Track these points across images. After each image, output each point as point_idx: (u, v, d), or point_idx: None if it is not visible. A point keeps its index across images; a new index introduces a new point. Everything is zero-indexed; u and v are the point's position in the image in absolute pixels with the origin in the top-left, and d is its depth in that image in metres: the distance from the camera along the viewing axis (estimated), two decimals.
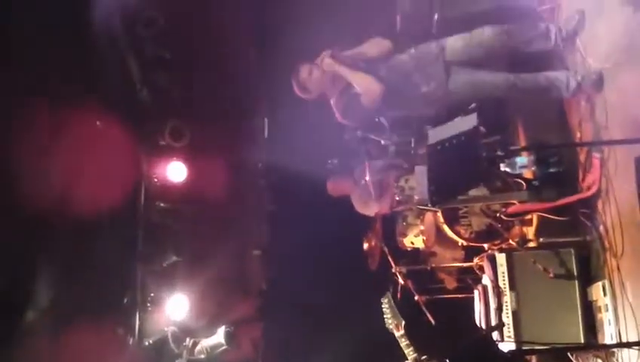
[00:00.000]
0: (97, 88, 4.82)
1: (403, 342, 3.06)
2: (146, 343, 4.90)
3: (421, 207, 4.17)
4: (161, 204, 5.29)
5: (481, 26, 3.98)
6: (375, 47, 4.03)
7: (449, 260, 5.06)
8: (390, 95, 3.89)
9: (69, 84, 4.45)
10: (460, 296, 5.08)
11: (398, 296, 4.86)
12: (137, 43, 5.09)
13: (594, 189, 3.77)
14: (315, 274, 5.61)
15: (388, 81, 3.89)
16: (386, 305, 3.18)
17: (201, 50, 5.67)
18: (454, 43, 3.99)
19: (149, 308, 5.10)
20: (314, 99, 4.22)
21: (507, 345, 3.63)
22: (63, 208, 4.15)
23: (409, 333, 3.05)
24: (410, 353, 3.05)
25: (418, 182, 2.80)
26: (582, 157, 3.92)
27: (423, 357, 2.88)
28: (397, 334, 3.09)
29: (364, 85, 3.91)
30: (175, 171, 5.29)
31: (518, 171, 3.10)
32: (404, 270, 4.97)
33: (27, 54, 4.02)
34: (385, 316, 3.17)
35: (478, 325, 4.20)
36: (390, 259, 4.97)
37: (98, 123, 4.86)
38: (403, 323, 3.06)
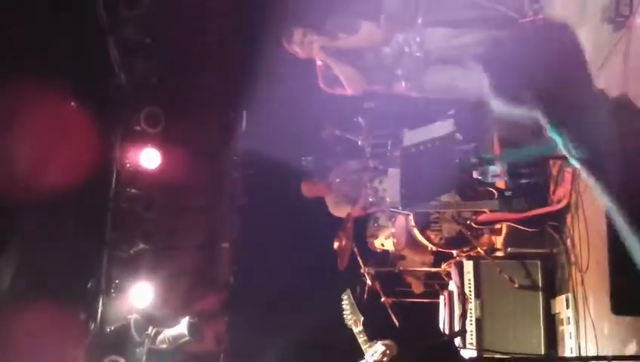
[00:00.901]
0: (73, 68, 4.74)
1: (361, 338, 3.06)
2: (108, 330, 4.83)
3: (393, 209, 4.17)
4: (132, 191, 5.22)
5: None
6: (367, 38, 4.06)
7: (418, 264, 5.07)
8: (372, 83, 3.97)
9: (43, 60, 4.37)
10: (425, 300, 5.11)
11: (365, 296, 4.87)
12: (118, 24, 5.01)
13: (564, 203, 3.82)
14: (283, 271, 5.59)
15: (371, 70, 3.95)
16: (345, 301, 3.18)
17: (183, 37, 5.60)
18: (439, 40, 4.02)
19: (113, 295, 5.02)
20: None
21: (468, 352, 3.65)
22: (30, 186, 4.07)
23: (367, 329, 3.05)
24: (367, 349, 3.05)
25: (391, 184, 2.79)
26: (554, 171, 3.96)
27: (388, 360, 2.87)
28: (355, 330, 3.09)
29: (350, 79, 3.95)
30: (148, 158, 5.21)
31: (490, 180, 3.12)
32: (372, 271, 4.97)
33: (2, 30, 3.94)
34: (344, 312, 3.17)
35: (442, 330, 4.22)
36: (359, 260, 4.98)
37: (72, 103, 4.78)
38: (362, 319, 3.06)
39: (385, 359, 2.92)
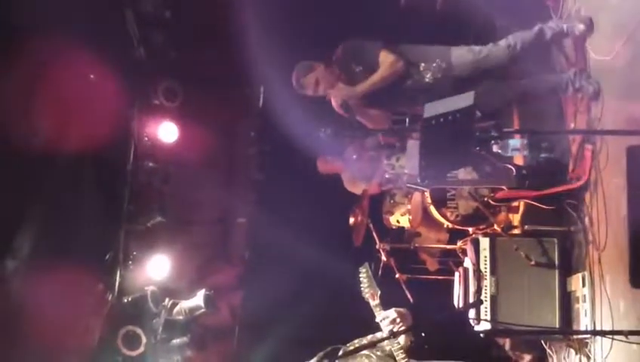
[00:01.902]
0: (93, 41, 4.76)
1: (378, 312, 3.08)
2: (125, 300, 4.90)
3: (410, 185, 4.16)
4: (150, 164, 5.26)
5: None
6: (389, 73, 4.02)
7: (433, 241, 5.07)
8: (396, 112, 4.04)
9: (64, 32, 4.38)
10: (440, 277, 5.12)
11: (380, 272, 4.88)
12: None
13: (583, 180, 3.79)
14: (298, 246, 5.61)
15: (395, 102, 4.01)
16: (363, 274, 3.19)
17: (202, 11, 5.59)
18: (462, 57, 3.99)
19: (131, 267, 5.09)
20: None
21: (483, 326, 3.66)
22: (49, 156, 4.11)
23: (384, 304, 3.07)
24: (379, 313, 3.08)
25: (409, 156, 2.79)
26: (574, 148, 3.93)
27: (399, 328, 2.89)
28: (372, 303, 3.11)
29: (374, 121, 4.14)
30: (166, 131, 5.25)
31: (510, 153, 3.09)
32: (387, 247, 4.98)
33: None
34: (362, 285, 3.18)
35: (456, 307, 4.23)
36: (375, 236, 4.98)
37: (92, 76, 4.80)
38: (379, 292, 3.08)
39: (397, 327, 2.94)
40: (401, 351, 2.93)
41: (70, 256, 4.45)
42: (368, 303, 3.19)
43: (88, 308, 4.72)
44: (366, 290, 3.18)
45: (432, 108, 2.72)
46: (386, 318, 3.04)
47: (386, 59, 4.03)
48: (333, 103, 4.14)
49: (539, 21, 4.19)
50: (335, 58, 4.27)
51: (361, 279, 3.23)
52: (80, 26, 4.58)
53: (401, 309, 3.03)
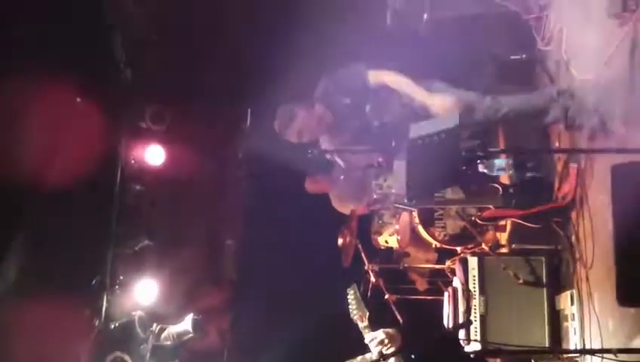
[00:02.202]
0: (79, 65, 4.76)
1: (366, 333, 3.06)
2: (112, 326, 4.85)
3: (398, 205, 4.17)
4: (137, 187, 5.25)
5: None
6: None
7: (422, 261, 5.07)
8: None
9: (49, 56, 4.39)
10: (430, 297, 5.11)
11: (369, 293, 4.87)
12: (125, 21, 5.04)
13: (569, 199, 3.82)
14: (287, 268, 5.60)
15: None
16: (351, 296, 3.18)
17: (190, 35, 5.63)
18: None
19: (118, 291, 5.05)
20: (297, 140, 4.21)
21: (473, 346, 3.65)
22: (37, 181, 4.09)
23: (373, 325, 3.05)
24: (367, 335, 3.06)
25: (396, 176, 2.79)
26: (559, 167, 3.96)
27: (388, 349, 2.88)
28: (361, 325, 3.10)
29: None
30: (153, 154, 5.25)
31: (495, 173, 3.12)
32: (376, 268, 4.97)
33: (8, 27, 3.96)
34: (350, 306, 3.17)
35: (445, 326, 4.22)
36: (363, 257, 4.97)
37: (78, 99, 4.80)
38: (367, 314, 3.07)
39: (386, 348, 2.92)
40: None
41: (56, 281, 4.41)
42: (357, 324, 3.18)
43: (75, 334, 4.66)
44: (354, 311, 3.16)
45: (418, 129, 2.74)
46: (375, 339, 3.02)
47: (382, 76, 3.98)
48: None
49: (522, 44, 4.25)
50: (316, 96, 4.15)
51: (349, 300, 3.22)
52: (66, 49, 4.59)
53: (389, 330, 3.01)
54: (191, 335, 4.79)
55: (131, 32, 5.13)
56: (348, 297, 3.21)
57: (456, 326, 3.63)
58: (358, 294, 3.22)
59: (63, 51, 4.52)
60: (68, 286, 4.56)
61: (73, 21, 4.64)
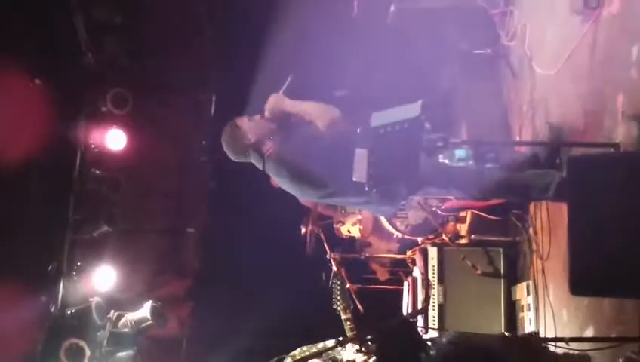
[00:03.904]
0: (40, 46, 4.66)
1: (347, 325, 3.09)
2: (69, 312, 4.77)
3: None
4: (97, 172, 5.17)
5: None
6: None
7: (383, 251, 5.10)
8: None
9: (7, 37, 4.28)
10: (390, 287, 5.15)
11: (330, 282, 4.87)
12: (88, 3, 4.94)
13: None
14: (249, 257, 5.57)
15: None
16: (338, 286, 3.21)
17: (153, 18, 5.54)
18: None
19: (75, 278, 4.98)
20: (243, 160, 3.67)
21: (430, 334, 3.70)
22: None
23: (355, 318, 3.09)
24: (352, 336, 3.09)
25: (357, 164, 2.79)
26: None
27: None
28: (343, 316, 3.13)
29: (321, 110, 3.46)
30: (114, 139, 5.17)
31: (456, 163, 3.14)
32: (338, 257, 4.98)
33: None
34: (334, 296, 3.20)
35: (404, 314, 4.26)
36: (326, 246, 4.98)
37: (36, 81, 4.69)
38: (351, 307, 3.11)
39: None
40: (364, 358, 2.93)
41: (11, 267, 4.32)
42: (339, 315, 3.21)
43: (30, 321, 4.57)
44: (339, 302, 3.19)
45: (381, 117, 2.74)
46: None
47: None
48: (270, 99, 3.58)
49: (487, 39, 4.28)
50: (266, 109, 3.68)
51: (333, 291, 3.24)
52: (27, 32, 4.48)
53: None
54: (149, 322, 4.74)
55: (95, 15, 5.03)
56: (333, 288, 3.24)
57: (414, 313, 3.67)
58: (344, 287, 3.25)
59: (23, 33, 4.42)
60: (23, 271, 4.48)
61: (35, 4, 4.54)
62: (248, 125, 3.53)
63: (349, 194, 3.33)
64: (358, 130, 3.07)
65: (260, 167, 3.59)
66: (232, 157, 3.69)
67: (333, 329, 3.47)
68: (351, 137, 3.18)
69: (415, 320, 3.32)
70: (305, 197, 3.89)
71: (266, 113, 3.53)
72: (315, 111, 3.43)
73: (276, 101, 3.51)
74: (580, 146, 3.19)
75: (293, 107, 3.50)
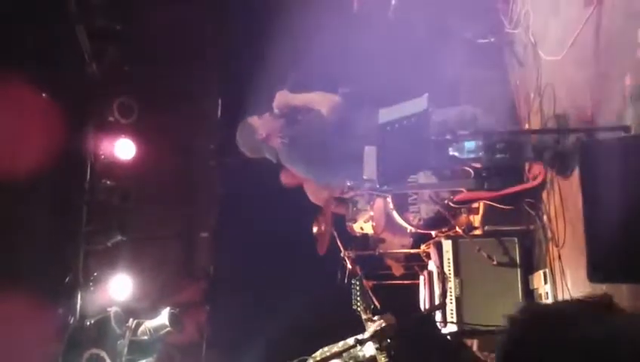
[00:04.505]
0: (44, 59, 4.67)
1: (369, 326, 3.08)
2: (87, 323, 4.79)
3: (372, 191, 4.17)
4: (108, 182, 5.17)
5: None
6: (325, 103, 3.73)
7: (397, 246, 5.09)
8: None
9: (12, 52, 4.29)
10: (406, 282, 5.13)
11: (345, 280, 4.87)
12: (88, 13, 4.94)
13: (540, 179, 3.85)
14: (264, 258, 5.57)
15: None
16: (357, 286, 3.20)
17: (155, 24, 5.54)
18: None
19: (92, 288, 4.99)
20: (259, 156, 4.01)
21: (449, 328, 3.68)
22: (3, 179, 4.00)
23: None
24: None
25: (367, 162, 2.79)
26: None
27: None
28: (364, 316, 3.13)
29: (323, 97, 3.72)
30: (123, 148, 5.17)
31: (466, 156, 3.12)
32: (352, 255, 4.97)
33: None
34: (354, 296, 3.20)
35: (422, 309, 4.24)
36: (339, 244, 4.97)
37: (43, 95, 4.71)
38: (372, 306, 3.10)
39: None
40: (384, 354, 2.91)
41: (28, 280, 4.34)
42: (359, 315, 3.21)
43: (49, 333, 4.60)
44: (359, 303, 3.18)
45: (387, 114, 2.73)
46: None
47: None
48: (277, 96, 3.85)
49: (491, 27, 4.25)
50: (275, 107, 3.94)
51: (353, 291, 3.24)
52: (30, 44, 4.49)
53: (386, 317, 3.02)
54: (168, 329, 4.75)
55: (95, 24, 5.03)
56: (352, 288, 3.23)
57: (432, 308, 3.65)
58: (363, 286, 3.25)
59: (27, 46, 4.43)
60: (40, 285, 4.49)
61: (37, 16, 4.55)
62: (259, 123, 3.88)
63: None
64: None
65: (273, 160, 3.91)
66: (248, 154, 4.04)
67: (354, 329, 3.46)
68: (353, 118, 3.39)
69: (434, 315, 3.31)
70: (323, 179, 4.13)
71: (275, 110, 3.84)
72: (317, 98, 3.72)
73: (282, 97, 3.80)
74: (590, 132, 3.16)
75: (297, 100, 3.79)
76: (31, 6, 4.50)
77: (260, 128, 3.87)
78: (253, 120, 3.93)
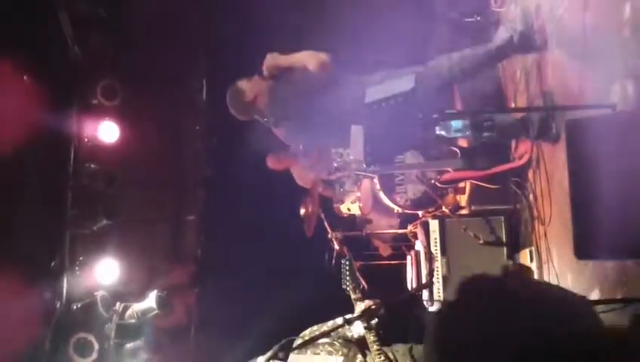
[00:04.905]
0: (26, 43, 4.60)
1: (358, 306, 3.09)
2: (74, 307, 4.77)
3: (359, 172, 4.16)
4: (92, 166, 5.12)
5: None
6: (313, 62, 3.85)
7: (384, 227, 5.09)
8: None
9: None
10: (393, 262, 5.15)
11: (333, 262, 4.88)
12: None
13: (526, 158, 3.86)
14: (251, 240, 5.56)
15: None
16: (347, 266, 3.21)
17: (139, 7, 5.47)
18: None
19: (78, 273, 4.96)
20: (249, 118, 4.13)
21: (436, 306, 3.71)
22: None
23: (363, 295, 3.09)
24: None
25: (354, 142, 2.79)
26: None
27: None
28: (353, 296, 3.15)
29: (311, 55, 3.80)
30: (107, 131, 5.12)
31: (452, 135, 3.12)
32: (340, 236, 4.98)
33: None
34: (343, 276, 3.21)
35: (409, 288, 4.27)
36: (327, 225, 4.97)
37: (25, 77, 4.64)
38: (361, 286, 3.11)
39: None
40: (372, 333, 2.93)
41: (13, 265, 4.30)
42: (349, 295, 3.22)
43: (36, 318, 4.58)
44: (348, 283, 3.19)
45: (374, 93, 2.71)
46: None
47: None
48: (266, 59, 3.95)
49: (476, 6, 4.22)
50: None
51: (342, 271, 3.24)
52: (13, 28, 4.42)
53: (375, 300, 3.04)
54: (156, 312, 4.74)
55: (78, 9, 4.97)
56: (342, 268, 3.24)
57: (419, 287, 3.68)
58: (353, 267, 3.25)
59: (9, 30, 4.36)
60: (26, 269, 4.46)
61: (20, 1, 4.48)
62: (247, 85, 4.00)
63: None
64: None
65: (262, 121, 4.08)
66: (238, 117, 4.16)
67: (342, 308, 3.48)
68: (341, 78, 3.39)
69: (420, 294, 3.33)
70: (315, 138, 4.14)
71: (264, 72, 3.95)
72: (305, 57, 3.81)
73: (271, 59, 3.90)
74: (575, 110, 3.16)
75: (286, 60, 3.89)
76: None
77: (248, 91, 3.97)
78: (242, 83, 4.01)
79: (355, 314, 2.83)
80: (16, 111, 4.47)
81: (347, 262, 3.24)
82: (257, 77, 4.01)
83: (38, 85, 4.63)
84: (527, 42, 3.50)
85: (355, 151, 2.76)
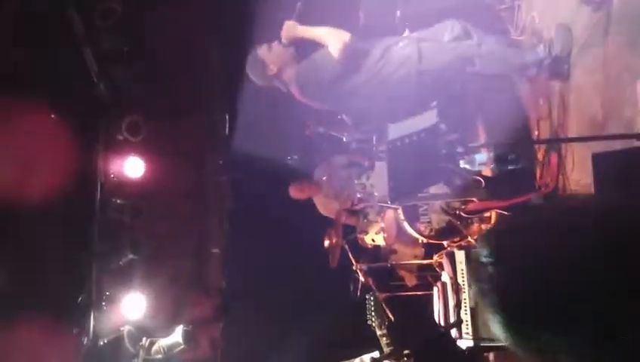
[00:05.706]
0: (52, 81, 4.70)
1: (384, 341, 3.05)
2: (101, 343, 4.78)
3: (382, 204, 4.15)
4: (118, 201, 5.17)
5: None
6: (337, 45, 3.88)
7: (409, 257, 5.06)
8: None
9: (20, 76, 4.32)
10: (419, 293, 5.10)
11: (358, 293, 4.85)
12: (94, 35, 4.97)
13: (551, 187, 3.82)
14: (276, 273, 5.56)
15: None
16: (371, 301, 3.18)
17: (161, 43, 5.56)
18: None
19: (105, 307, 4.98)
20: (270, 86, 4.13)
21: (465, 342, 3.65)
22: (13, 203, 4.01)
23: (391, 333, 3.06)
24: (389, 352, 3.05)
25: (378, 177, 2.78)
26: (540, 156, 3.96)
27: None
28: (379, 332, 3.10)
29: (332, 35, 3.74)
30: (132, 166, 5.17)
31: (477, 168, 3.10)
32: (364, 267, 4.95)
33: None
34: (368, 312, 3.18)
35: (437, 322, 4.20)
36: (351, 257, 4.95)
37: (52, 116, 4.73)
38: (386, 322, 3.08)
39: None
40: None
41: (41, 301, 4.34)
42: (374, 331, 3.19)
43: (64, 354, 4.60)
44: (373, 319, 3.16)
45: (397, 129, 2.72)
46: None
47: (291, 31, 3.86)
48: (285, 27, 3.90)
49: (496, 35, 4.22)
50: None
51: (367, 306, 3.22)
52: (38, 67, 4.52)
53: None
54: (182, 347, 4.74)
55: (101, 45, 5.06)
56: (367, 303, 3.22)
57: (449, 326, 3.62)
58: (378, 301, 3.22)
59: (35, 70, 4.46)
60: (53, 306, 4.50)
61: (44, 40, 4.58)
62: (268, 56, 3.97)
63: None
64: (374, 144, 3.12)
65: (284, 90, 4.03)
66: (258, 83, 4.14)
67: (368, 342, 3.45)
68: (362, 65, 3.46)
69: (449, 331, 3.28)
70: (337, 103, 4.11)
71: (283, 40, 3.90)
72: (327, 35, 3.74)
73: (291, 28, 3.86)
74: (601, 140, 3.13)
75: (305, 32, 3.83)
76: (39, 30, 4.53)
77: (271, 62, 3.94)
78: (263, 52, 3.97)
79: (384, 354, 2.80)
80: (43, 149, 4.56)
81: (372, 297, 3.21)
82: (277, 45, 3.94)
83: (65, 123, 4.72)
84: (558, 69, 3.48)
85: (380, 187, 2.75)
